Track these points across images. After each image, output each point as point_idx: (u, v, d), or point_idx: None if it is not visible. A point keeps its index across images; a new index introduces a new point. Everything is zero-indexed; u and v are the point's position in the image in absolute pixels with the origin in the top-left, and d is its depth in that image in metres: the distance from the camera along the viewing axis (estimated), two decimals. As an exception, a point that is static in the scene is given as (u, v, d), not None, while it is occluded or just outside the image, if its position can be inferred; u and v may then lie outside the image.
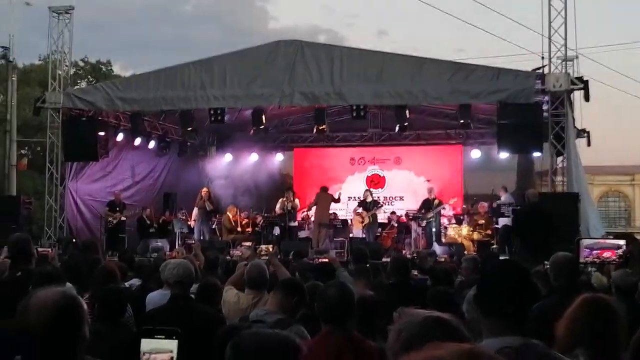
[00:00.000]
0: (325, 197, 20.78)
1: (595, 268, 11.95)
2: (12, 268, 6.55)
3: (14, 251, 6.91)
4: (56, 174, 19.54)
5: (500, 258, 12.53)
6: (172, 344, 2.49)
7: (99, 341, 4.96)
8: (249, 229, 21.31)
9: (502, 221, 18.64)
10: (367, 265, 8.72)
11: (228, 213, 21.63)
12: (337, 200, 20.95)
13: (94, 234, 19.73)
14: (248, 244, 17.68)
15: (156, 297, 6.90)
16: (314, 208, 21.03)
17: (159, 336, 2.50)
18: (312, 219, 21.31)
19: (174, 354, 2.47)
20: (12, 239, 7.06)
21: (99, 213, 20.33)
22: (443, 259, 15.29)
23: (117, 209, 19.95)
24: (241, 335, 2.36)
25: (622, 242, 3.75)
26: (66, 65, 20.46)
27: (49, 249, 13.05)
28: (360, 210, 20.73)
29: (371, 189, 22.13)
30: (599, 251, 3.95)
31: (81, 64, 43.65)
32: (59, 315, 2.76)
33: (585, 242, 4.14)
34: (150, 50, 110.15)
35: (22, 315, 2.83)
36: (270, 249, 12.85)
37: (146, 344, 2.49)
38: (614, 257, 3.87)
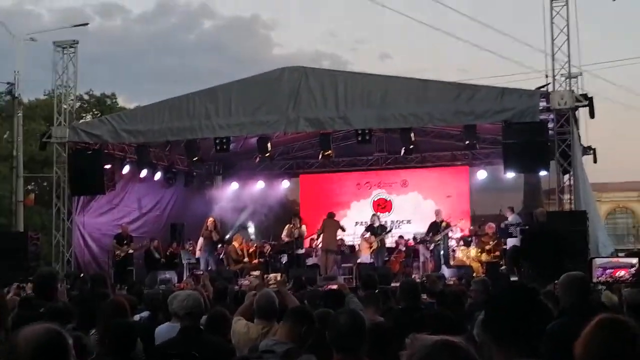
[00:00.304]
0: (332, 224, 20.76)
1: (605, 286, 11.89)
2: (23, 306, 6.55)
3: (38, 286, 6.99)
4: (63, 209, 19.56)
5: (510, 279, 12.48)
6: None
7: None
8: (256, 258, 21.26)
9: (510, 242, 18.58)
10: (377, 291, 8.65)
11: (234, 243, 21.63)
12: (343, 229, 20.99)
13: (102, 267, 19.69)
14: (256, 273, 17.64)
15: (165, 330, 6.85)
16: (321, 235, 21.00)
17: None
18: (320, 245, 21.25)
19: None
20: (37, 273, 7.17)
21: (107, 246, 20.32)
22: (452, 282, 15.21)
23: (125, 241, 19.95)
24: None
25: (634, 260, 3.71)
26: (71, 99, 20.57)
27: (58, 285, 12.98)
28: (367, 235, 20.67)
29: (378, 213, 22.08)
30: (612, 270, 3.92)
31: (86, 97, 43.87)
32: (43, 350, 2.78)
33: (598, 261, 4.11)
34: (154, 82, 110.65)
35: (10, 352, 2.84)
36: (279, 278, 12.79)
37: None
38: (628, 276, 3.83)
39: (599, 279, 4.05)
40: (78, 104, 26.56)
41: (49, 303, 6.41)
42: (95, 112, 42.01)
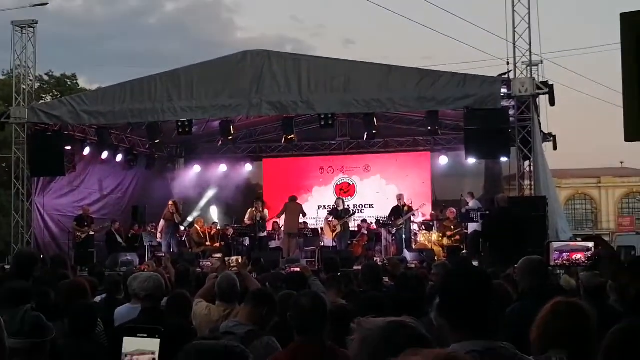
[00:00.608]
0: (293, 207, 20.80)
1: (563, 271, 12.08)
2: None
3: (17, 266, 7.03)
4: (22, 190, 19.31)
5: (472, 263, 12.62)
6: (154, 344, 2.46)
7: (68, 356, 4.91)
8: (219, 241, 21.24)
9: (472, 226, 18.77)
10: (339, 274, 8.70)
11: (196, 225, 21.58)
12: (304, 214, 21.07)
13: (62, 249, 19.49)
14: (218, 255, 17.59)
15: (125, 311, 6.83)
16: (283, 217, 21.05)
17: (141, 335, 2.47)
18: (282, 228, 21.30)
19: (156, 355, 2.44)
20: (16, 253, 7.27)
21: (67, 228, 20.12)
22: (414, 265, 15.32)
23: (86, 223, 19.78)
24: (185, 347, 2.35)
25: (590, 244, 3.78)
26: (30, 80, 20.26)
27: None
28: (331, 218, 20.73)
29: (342, 198, 22.13)
30: (568, 254, 3.98)
31: (46, 78, 43.28)
32: None
33: (555, 245, 4.17)
34: (116, 64, 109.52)
35: None
36: (240, 260, 12.77)
37: (128, 343, 2.45)
38: (584, 260, 3.90)
39: (556, 262, 4.11)
40: (37, 84, 26.24)
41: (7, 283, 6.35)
42: (56, 94, 41.46)
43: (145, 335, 2.47)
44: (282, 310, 5.13)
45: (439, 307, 3.05)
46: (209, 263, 15.68)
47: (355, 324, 2.41)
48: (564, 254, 4.32)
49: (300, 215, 21.11)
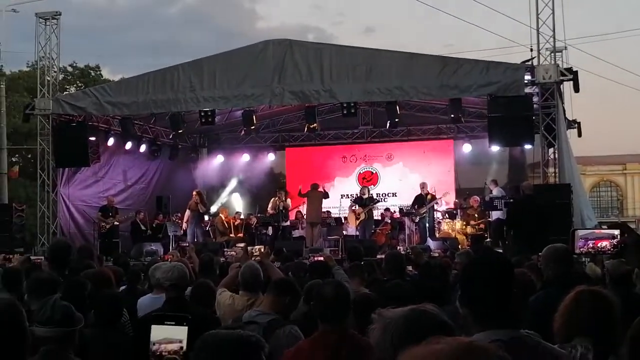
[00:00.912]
0: (315, 195, 20.76)
1: (588, 259, 11.99)
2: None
3: (52, 257, 7.18)
4: (48, 181, 19.46)
5: (495, 251, 12.57)
6: (182, 332, 2.47)
7: (94, 346, 4.95)
8: (242, 231, 21.32)
9: (495, 214, 18.68)
10: (362, 263, 8.70)
11: (221, 215, 21.66)
12: (327, 196, 20.96)
13: (88, 239, 19.65)
14: (242, 244, 17.67)
15: (147, 301, 6.87)
16: (305, 206, 21.05)
17: (169, 322, 2.49)
18: (305, 217, 21.33)
19: (184, 344, 2.45)
20: (52, 244, 7.49)
21: (92, 218, 20.28)
22: (437, 254, 15.30)
23: (110, 213, 19.92)
24: (201, 337, 2.36)
25: (616, 231, 3.75)
26: (54, 71, 20.38)
27: (42, 257, 12.99)
28: (356, 207, 20.68)
29: (368, 187, 22.08)
30: (594, 241, 3.94)
31: (70, 69, 43.54)
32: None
33: (580, 232, 4.13)
34: (138, 55, 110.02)
35: None
36: (263, 250, 12.81)
37: (156, 331, 2.47)
38: (609, 247, 3.86)
39: (581, 250, 4.08)
40: (61, 75, 26.39)
41: (35, 273, 6.43)
42: (79, 85, 41.72)
43: (173, 323, 2.48)
44: (308, 299, 5.15)
45: (460, 296, 3.04)
46: (233, 252, 15.74)
47: (376, 314, 2.41)
48: (589, 241, 4.28)
49: (323, 200, 21.01)
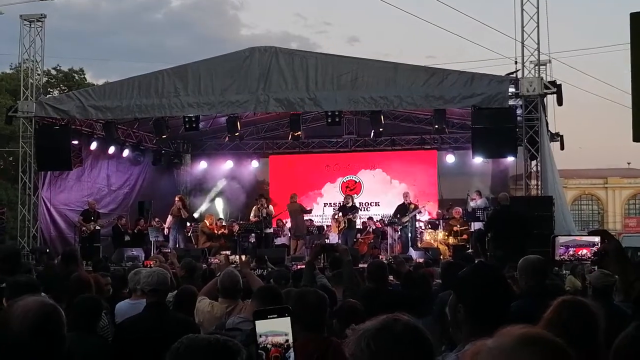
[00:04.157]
0: (293, 208, 20.93)
1: (568, 271, 12.02)
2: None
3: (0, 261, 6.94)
4: (29, 184, 19.35)
5: (476, 261, 12.57)
6: (286, 324, 2.46)
7: (71, 350, 4.90)
8: (225, 239, 21.24)
9: (477, 225, 18.71)
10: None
11: (206, 220, 21.58)
12: (305, 212, 21.06)
13: (69, 243, 19.50)
14: (227, 252, 17.61)
15: (124, 307, 6.82)
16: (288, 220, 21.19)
17: (271, 316, 2.47)
18: (288, 225, 21.33)
19: (289, 337, 2.44)
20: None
21: (74, 222, 20.14)
22: (419, 263, 15.27)
23: (92, 218, 19.78)
24: (180, 340, 2.35)
25: (597, 239, 3.75)
26: (38, 74, 20.27)
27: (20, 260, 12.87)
28: (339, 214, 20.67)
29: (352, 195, 22.06)
30: (574, 249, 3.94)
31: (53, 72, 43.28)
32: (43, 321, 2.87)
33: (561, 239, 4.13)
34: (122, 59, 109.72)
35: (2, 325, 2.93)
36: (243, 258, 12.78)
37: (261, 326, 2.45)
38: (589, 255, 3.86)
39: (562, 257, 4.08)
40: (45, 78, 26.24)
41: (10, 277, 6.35)
42: (63, 88, 41.46)
43: (276, 316, 2.47)
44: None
45: (466, 305, 3.03)
46: (217, 261, 15.68)
47: (350, 330, 2.43)
48: (570, 249, 4.27)
49: (303, 213, 21.11)
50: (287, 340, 2.41)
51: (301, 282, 6.87)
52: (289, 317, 2.44)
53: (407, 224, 19.86)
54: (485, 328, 2.84)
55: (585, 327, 3.37)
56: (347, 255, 7.84)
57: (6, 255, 7.06)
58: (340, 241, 20.06)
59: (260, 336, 2.40)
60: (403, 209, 20.15)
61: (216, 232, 21.26)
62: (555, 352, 1.92)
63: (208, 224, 21.35)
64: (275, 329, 2.42)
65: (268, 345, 2.39)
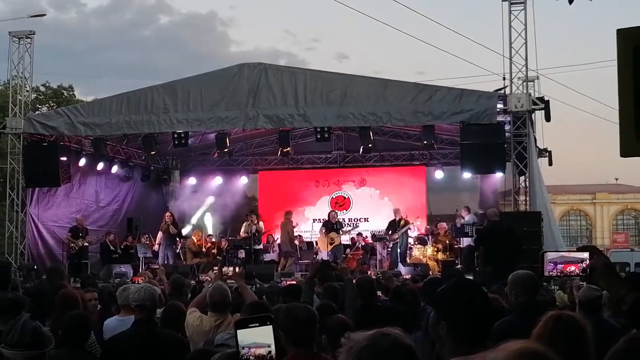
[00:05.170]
0: (284, 225, 20.93)
1: (557, 286, 12.04)
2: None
3: None
4: (17, 200, 19.28)
5: (465, 277, 12.58)
6: (268, 332, 2.44)
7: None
8: (214, 252, 21.19)
9: (466, 241, 18.74)
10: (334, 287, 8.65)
11: (193, 237, 21.53)
12: (292, 229, 21.14)
13: (57, 260, 19.39)
14: (218, 266, 17.55)
15: (113, 324, 6.78)
16: (277, 233, 21.14)
17: (253, 325, 2.46)
18: (278, 241, 21.31)
19: (272, 348, 2.43)
20: None
21: (63, 239, 20.05)
22: (407, 279, 15.25)
23: (80, 234, 19.71)
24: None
25: (585, 254, 3.76)
26: (27, 90, 20.25)
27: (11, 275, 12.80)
28: (325, 231, 20.60)
29: (336, 211, 22.06)
30: (563, 265, 3.94)
31: (42, 89, 43.18)
32: None
33: (550, 255, 4.13)
34: (111, 76, 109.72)
35: None
36: (237, 270, 12.74)
37: (243, 335, 2.44)
38: (578, 271, 3.87)
39: (550, 273, 4.08)
40: (34, 95, 26.24)
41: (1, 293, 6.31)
42: (52, 105, 41.34)
43: (257, 324, 2.46)
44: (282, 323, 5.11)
45: (447, 322, 3.04)
46: (208, 277, 15.63)
47: (346, 337, 2.42)
48: (559, 265, 4.28)
49: (293, 229, 21.14)
50: (269, 352, 2.40)
51: (301, 298, 6.85)
52: (270, 326, 2.43)
53: (397, 240, 19.85)
54: (468, 344, 2.86)
55: (575, 341, 3.37)
56: (347, 274, 7.85)
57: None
58: (329, 258, 20.03)
59: (243, 348, 2.39)
60: (393, 226, 20.12)
61: (204, 248, 21.20)
62: None
63: (195, 240, 21.29)
64: (258, 341, 2.42)
65: (251, 357, 2.39)
